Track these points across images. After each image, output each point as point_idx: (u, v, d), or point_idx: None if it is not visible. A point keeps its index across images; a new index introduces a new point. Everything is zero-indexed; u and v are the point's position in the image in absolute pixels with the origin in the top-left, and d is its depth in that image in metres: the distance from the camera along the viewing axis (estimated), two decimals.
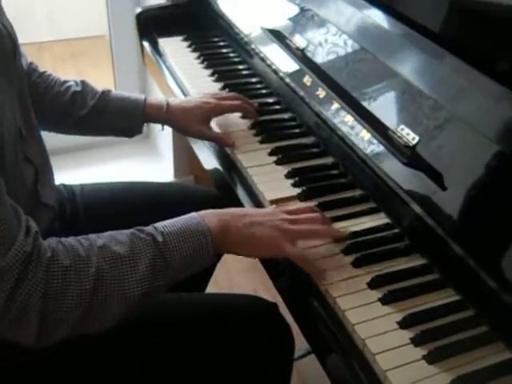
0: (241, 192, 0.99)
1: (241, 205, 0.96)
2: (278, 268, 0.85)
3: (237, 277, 1.83)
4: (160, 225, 0.76)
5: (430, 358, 0.68)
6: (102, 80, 2.58)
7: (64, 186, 1.08)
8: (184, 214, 0.78)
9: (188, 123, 1.08)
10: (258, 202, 0.95)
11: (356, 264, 0.80)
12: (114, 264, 0.70)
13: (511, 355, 0.68)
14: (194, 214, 0.78)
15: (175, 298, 0.91)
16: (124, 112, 1.08)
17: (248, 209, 0.89)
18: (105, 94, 1.08)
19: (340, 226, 0.87)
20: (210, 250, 0.76)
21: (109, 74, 2.30)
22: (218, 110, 1.09)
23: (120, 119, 1.08)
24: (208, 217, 0.77)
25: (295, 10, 1.21)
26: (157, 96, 1.19)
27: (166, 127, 1.13)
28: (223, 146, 1.09)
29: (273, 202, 0.91)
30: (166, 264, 0.72)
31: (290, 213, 0.83)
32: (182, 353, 0.88)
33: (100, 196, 1.08)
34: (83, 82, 1.08)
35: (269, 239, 0.78)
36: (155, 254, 0.72)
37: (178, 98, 1.26)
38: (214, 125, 1.12)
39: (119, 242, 0.72)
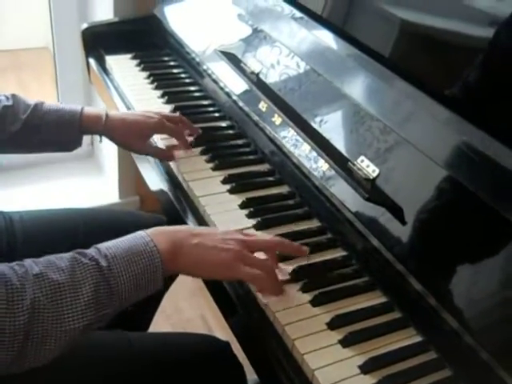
0: (192, 221, 0.95)
1: None
2: (232, 307, 0.81)
3: (183, 302, 1.77)
4: (103, 246, 0.69)
5: None
6: (44, 94, 2.49)
7: (1, 213, 1.00)
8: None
9: (128, 136, 1.05)
10: None
11: (315, 303, 0.77)
12: (53, 294, 0.63)
13: None
14: (141, 233, 0.72)
15: (123, 340, 0.85)
16: (60, 124, 1.02)
17: (201, 228, 0.84)
18: (38, 106, 1.02)
19: (298, 261, 0.84)
20: (159, 272, 0.70)
21: (52, 87, 2.21)
22: (160, 127, 1.06)
23: (56, 132, 1.02)
24: (157, 236, 0.72)
25: (248, 31, 1.19)
26: (97, 107, 1.15)
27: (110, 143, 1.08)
28: (165, 160, 1.06)
29: None
30: (110, 291, 0.66)
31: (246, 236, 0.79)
32: None
33: (41, 224, 1.01)
34: (14, 96, 1.02)
35: (221, 261, 0.74)
36: (98, 280, 0.66)
37: (118, 111, 1.21)
38: (163, 145, 1.08)
39: (58, 268, 0.65)
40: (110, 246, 0.70)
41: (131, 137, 1.04)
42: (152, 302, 1.15)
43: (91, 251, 0.69)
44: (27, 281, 0.63)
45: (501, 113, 0.75)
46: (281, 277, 0.80)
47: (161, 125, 1.05)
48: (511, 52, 0.75)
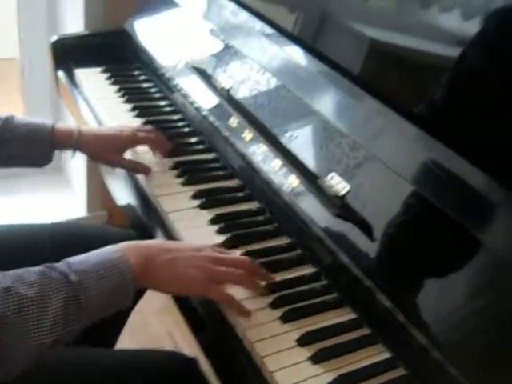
0: (161, 236, 0.94)
1: None
2: (201, 323, 0.80)
3: (150, 319, 1.75)
4: (74, 260, 0.68)
5: None
6: (10, 106, 2.45)
7: None
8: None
9: (101, 150, 1.04)
10: None
11: (284, 319, 0.76)
12: (21, 309, 0.62)
13: None
14: (112, 247, 0.72)
15: (89, 356, 0.83)
16: (31, 139, 1.00)
17: (173, 242, 0.84)
18: (8, 120, 1.00)
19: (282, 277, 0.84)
20: (130, 288, 0.70)
21: (18, 99, 2.18)
22: (133, 139, 1.06)
23: (26, 147, 1.01)
24: (128, 250, 0.72)
25: (219, 46, 1.19)
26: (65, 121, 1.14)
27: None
28: (141, 173, 1.05)
29: None
30: (80, 306, 0.65)
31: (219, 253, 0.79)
32: None
33: (5, 239, 0.99)
34: None
35: (192, 278, 0.74)
36: (68, 295, 0.65)
37: (87, 125, 1.21)
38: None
39: (27, 282, 0.64)
40: (80, 260, 0.69)
41: (105, 151, 1.04)
42: (119, 318, 1.13)
43: (61, 265, 0.68)
44: None
45: (467, 131, 0.76)
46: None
47: (134, 136, 1.06)
48: (476, 71, 0.77)
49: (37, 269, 0.66)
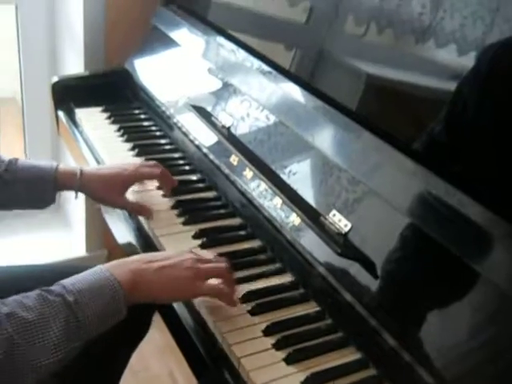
0: None
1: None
2: (203, 364, 0.79)
3: (151, 359, 1.73)
4: (68, 283, 0.73)
5: None
6: (9, 146, 2.46)
7: None
8: None
9: (104, 190, 1.04)
10: None
11: (289, 361, 0.75)
12: (25, 332, 0.65)
13: None
14: (99, 269, 0.76)
15: None
16: (34, 181, 1.01)
17: (152, 253, 0.86)
18: (12, 163, 1.01)
19: (270, 317, 0.83)
20: (122, 303, 0.74)
21: (17, 139, 2.19)
22: (136, 176, 1.06)
23: (30, 189, 1.01)
24: (115, 269, 0.76)
25: (218, 85, 1.21)
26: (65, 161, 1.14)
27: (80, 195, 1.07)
28: (141, 216, 1.05)
29: None
30: (79, 325, 0.70)
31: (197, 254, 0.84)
32: None
33: (3, 282, 0.98)
34: None
35: (183, 280, 0.79)
36: (67, 315, 0.69)
37: (88, 164, 1.21)
38: (133, 200, 1.07)
39: (27, 307, 0.67)
40: (73, 281, 0.73)
41: (108, 191, 1.04)
42: (121, 360, 1.12)
43: (56, 288, 0.71)
44: (1, 319, 0.65)
45: (465, 164, 0.76)
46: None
47: (136, 172, 1.06)
48: (473, 105, 0.77)
49: (34, 293, 0.70)
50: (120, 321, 0.75)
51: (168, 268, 0.79)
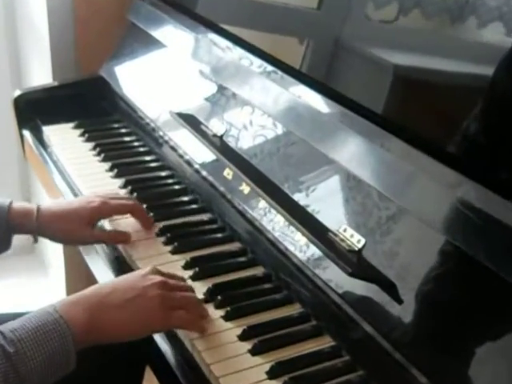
0: None
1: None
2: None
3: None
4: (7, 329, 0.74)
5: None
6: None
7: None
8: None
9: (66, 230, 1.06)
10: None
11: None
12: None
13: None
14: (49, 309, 0.78)
15: None
16: None
17: (113, 281, 0.90)
18: None
19: (280, 355, 0.86)
20: (71, 350, 0.76)
21: None
22: (104, 209, 1.08)
23: None
24: (68, 308, 0.79)
25: (210, 89, 1.25)
26: (37, 200, 1.18)
27: None
28: (119, 244, 1.09)
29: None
30: (20, 378, 0.72)
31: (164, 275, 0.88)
32: None
33: None
34: None
35: (151, 312, 0.83)
36: (7, 369, 0.71)
37: (52, 201, 1.25)
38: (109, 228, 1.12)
39: None
40: (15, 327, 0.75)
41: (70, 229, 1.06)
42: None
43: None
44: None
45: None
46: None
47: (105, 205, 1.08)
48: None
49: None
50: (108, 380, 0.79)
51: (132, 299, 0.82)
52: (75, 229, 1.06)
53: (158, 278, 0.86)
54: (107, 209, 1.09)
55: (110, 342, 0.82)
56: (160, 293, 0.84)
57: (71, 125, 1.46)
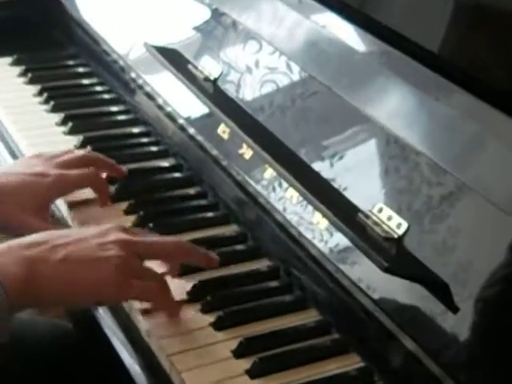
0: (114, 328, 0.97)
1: (111, 348, 0.96)
2: None
3: None
4: None
5: None
6: None
7: None
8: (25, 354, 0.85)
9: (5, 215, 1.04)
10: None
11: None
12: None
13: None
14: None
15: None
16: None
17: (67, 231, 0.95)
18: None
19: (290, 378, 0.87)
20: (5, 308, 0.79)
21: None
22: (61, 187, 1.08)
23: None
24: (4, 255, 0.83)
25: (202, 16, 1.25)
26: None
27: None
28: None
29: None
30: None
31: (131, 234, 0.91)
32: None
33: None
34: None
35: (101, 278, 0.86)
36: None
37: None
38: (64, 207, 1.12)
39: None
40: None
41: (12, 214, 1.04)
42: None
43: None
44: None
45: None
46: (178, 296, 0.94)
47: (62, 181, 1.07)
48: None
49: None
50: None
51: (82, 257, 0.85)
52: (15, 215, 1.04)
53: (123, 236, 0.88)
54: (66, 184, 1.09)
55: (49, 306, 0.89)
56: (120, 254, 0.86)
57: (8, 60, 1.47)
